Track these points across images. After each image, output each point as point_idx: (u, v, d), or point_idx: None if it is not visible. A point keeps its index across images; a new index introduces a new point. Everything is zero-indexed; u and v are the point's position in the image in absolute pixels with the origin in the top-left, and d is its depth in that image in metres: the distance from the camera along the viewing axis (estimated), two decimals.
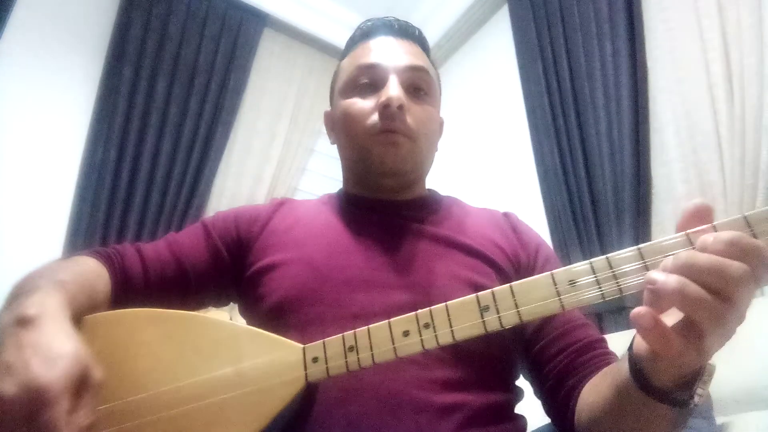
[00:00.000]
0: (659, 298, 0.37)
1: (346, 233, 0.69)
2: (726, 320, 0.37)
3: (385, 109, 0.67)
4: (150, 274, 0.68)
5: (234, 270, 0.71)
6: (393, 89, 0.68)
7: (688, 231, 0.40)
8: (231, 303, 0.76)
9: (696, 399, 0.40)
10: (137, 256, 0.69)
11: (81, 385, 0.44)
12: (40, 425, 0.41)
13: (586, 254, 1.68)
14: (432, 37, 2.76)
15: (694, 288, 0.36)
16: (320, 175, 2.63)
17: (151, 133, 2.15)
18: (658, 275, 0.38)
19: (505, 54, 2.30)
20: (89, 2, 2.22)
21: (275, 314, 0.62)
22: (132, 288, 0.66)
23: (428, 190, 0.83)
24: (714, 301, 0.36)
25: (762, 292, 1.29)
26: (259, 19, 2.56)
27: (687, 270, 0.37)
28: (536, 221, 1.92)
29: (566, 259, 1.80)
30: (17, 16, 1.96)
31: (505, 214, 0.79)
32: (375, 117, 0.69)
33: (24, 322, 0.45)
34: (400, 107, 0.67)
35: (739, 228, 0.38)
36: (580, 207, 1.77)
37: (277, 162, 2.48)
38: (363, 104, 0.71)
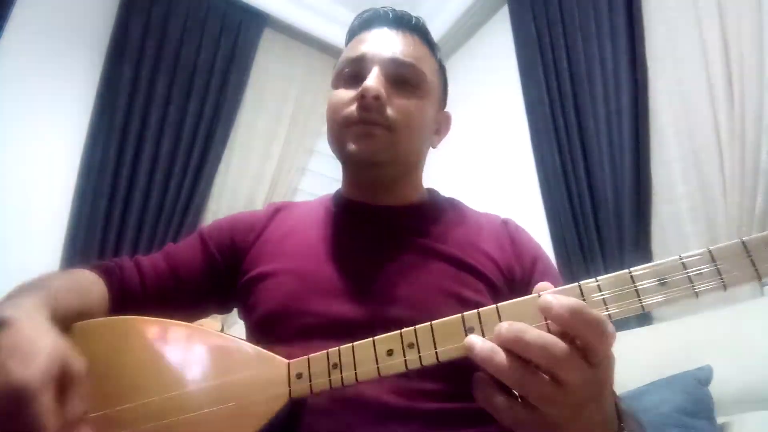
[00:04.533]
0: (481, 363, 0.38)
1: (338, 244, 0.69)
2: (554, 399, 0.37)
3: (361, 99, 0.66)
4: (148, 286, 0.69)
5: (230, 278, 0.71)
6: (371, 80, 0.66)
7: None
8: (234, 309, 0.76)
9: None
10: (135, 269, 0.70)
11: (64, 379, 0.44)
12: (26, 422, 0.40)
13: (586, 255, 1.68)
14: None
15: (505, 365, 0.37)
16: (320, 175, 2.63)
17: (151, 133, 2.15)
18: (475, 340, 0.39)
19: (505, 54, 2.30)
20: (89, 2, 2.23)
21: (265, 324, 0.62)
22: (130, 299, 0.67)
23: (427, 190, 0.80)
24: (537, 381, 0.37)
25: (762, 292, 1.28)
26: (259, 19, 2.56)
27: (513, 343, 0.37)
28: (536, 222, 1.92)
29: (566, 260, 1.80)
30: (17, 15, 1.96)
31: (504, 222, 0.76)
32: (353, 107, 0.67)
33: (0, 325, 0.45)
34: (377, 98, 0.65)
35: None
36: (580, 207, 1.77)
37: (278, 162, 2.48)
38: (344, 95, 0.70)
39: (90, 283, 0.65)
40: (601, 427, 0.41)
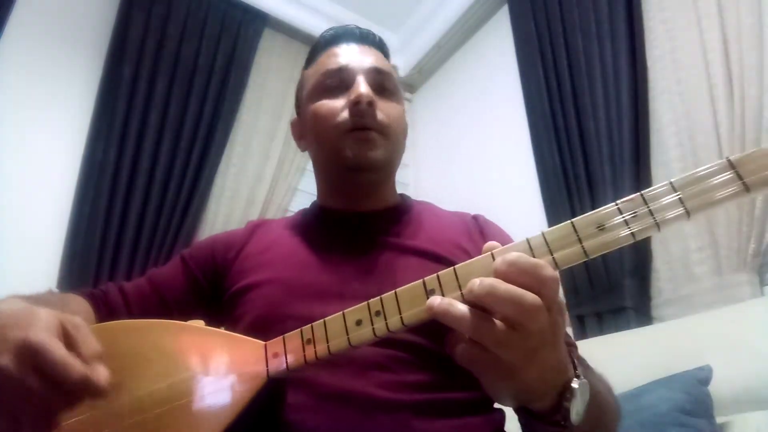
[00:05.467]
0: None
1: (317, 251, 0.71)
2: (510, 344, 0.39)
3: (355, 106, 0.69)
4: (132, 309, 0.72)
5: (214, 296, 0.74)
6: (362, 87, 0.69)
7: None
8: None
9: (573, 417, 0.43)
10: (119, 293, 0.74)
11: (66, 332, 0.45)
12: (50, 371, 0.41)
13: None
14: (432, 37, 2.76)
15: (462, 316, 0.40)
16: None
17: (151, 133, 2.15)
18: (434, 299, 0.42)
19: (505, 54, 2.30)
20: (89, 2, 2.22)
21: (251, 332, 0.63)
22: (115, 320, 0.68)
23: (400, 196, 0.83)
24: (492, 328, 0.39)
25: (762, 291, 1.29)
26: (259, 19, 2.56)
27: (486, 297, 0.39)
28: (536, 222, 1.92)
29: None
30: (18, 15, 1.96)
31: (474, 217, 0.80)
32: (345, 114, 0.70)
33: None
34: (370, 103, 0.69)
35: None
36: (580, 207, 1.77)
37: (278, 162, 2.48)
38: (333, 104, 0.72)
39: (76, 303, 0.67)
40: (556, 370, 0.44)
